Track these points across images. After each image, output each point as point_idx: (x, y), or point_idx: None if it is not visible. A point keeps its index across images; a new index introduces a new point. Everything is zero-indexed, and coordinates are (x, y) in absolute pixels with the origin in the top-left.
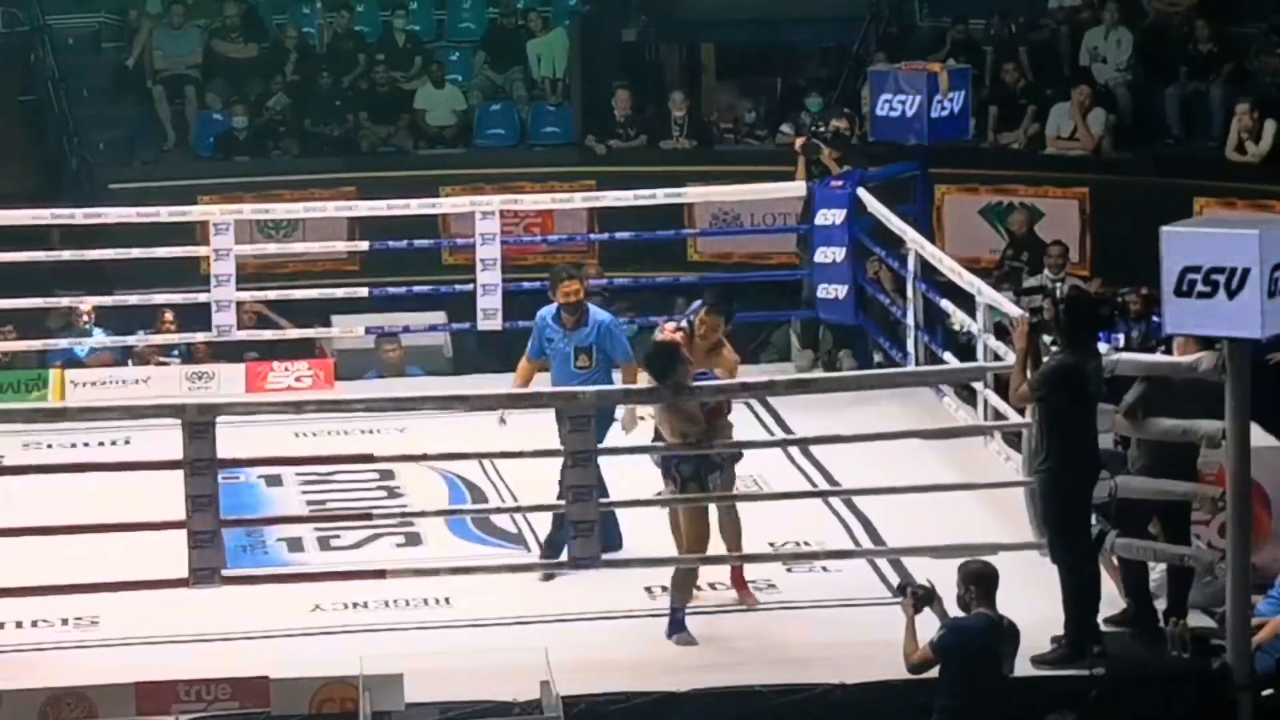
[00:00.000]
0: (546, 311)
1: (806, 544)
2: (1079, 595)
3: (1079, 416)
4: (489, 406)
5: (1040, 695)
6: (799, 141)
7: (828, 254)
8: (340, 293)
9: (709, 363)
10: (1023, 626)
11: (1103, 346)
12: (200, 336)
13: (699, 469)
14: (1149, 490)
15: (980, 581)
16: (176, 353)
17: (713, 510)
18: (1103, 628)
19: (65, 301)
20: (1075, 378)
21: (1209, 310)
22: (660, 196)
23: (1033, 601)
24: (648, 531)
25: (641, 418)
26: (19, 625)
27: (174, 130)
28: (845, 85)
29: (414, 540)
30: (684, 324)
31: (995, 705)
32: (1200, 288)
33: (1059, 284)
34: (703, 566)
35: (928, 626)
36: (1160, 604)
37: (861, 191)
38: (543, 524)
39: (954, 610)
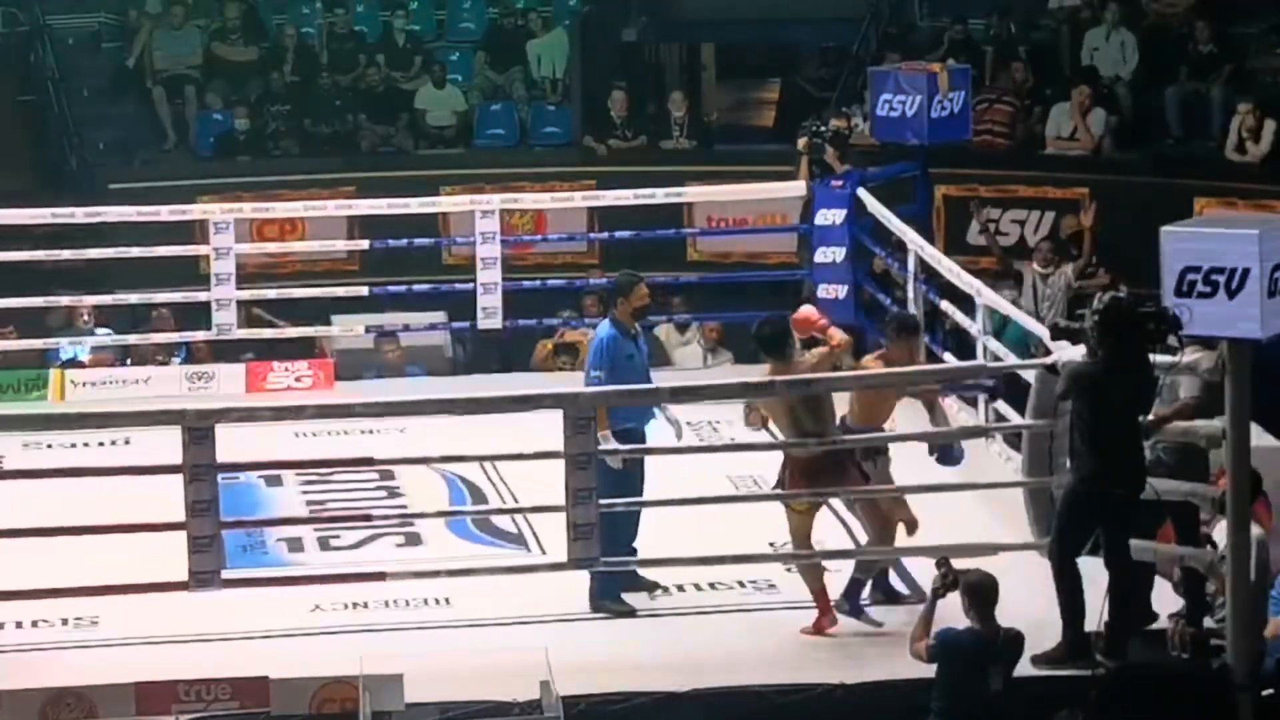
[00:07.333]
0: None
1: None
2: (1062, 599)
3: (1096, 426)
4: (490, 409)
5: (1040, 695)
6: (802, 141)
7: (828, 254)
8: (340, 292)
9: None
10: (1024, 627)
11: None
12: (200, 335)
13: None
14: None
15: (973, 594)
16: (178, 356)
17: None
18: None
19: (65, 301)
20: (1089, 384)
21: (1209, 310)
22: (660, 196)
23: (1034, 601)
24: (650, 532)
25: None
26: (19, 625)
27: (174, 130)
28: (845, 85)
29: (414, 540)
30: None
31: (980, 717)
32: (1200, 288)
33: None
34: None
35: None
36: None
37: (861, 191)
38: (543, 524)
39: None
